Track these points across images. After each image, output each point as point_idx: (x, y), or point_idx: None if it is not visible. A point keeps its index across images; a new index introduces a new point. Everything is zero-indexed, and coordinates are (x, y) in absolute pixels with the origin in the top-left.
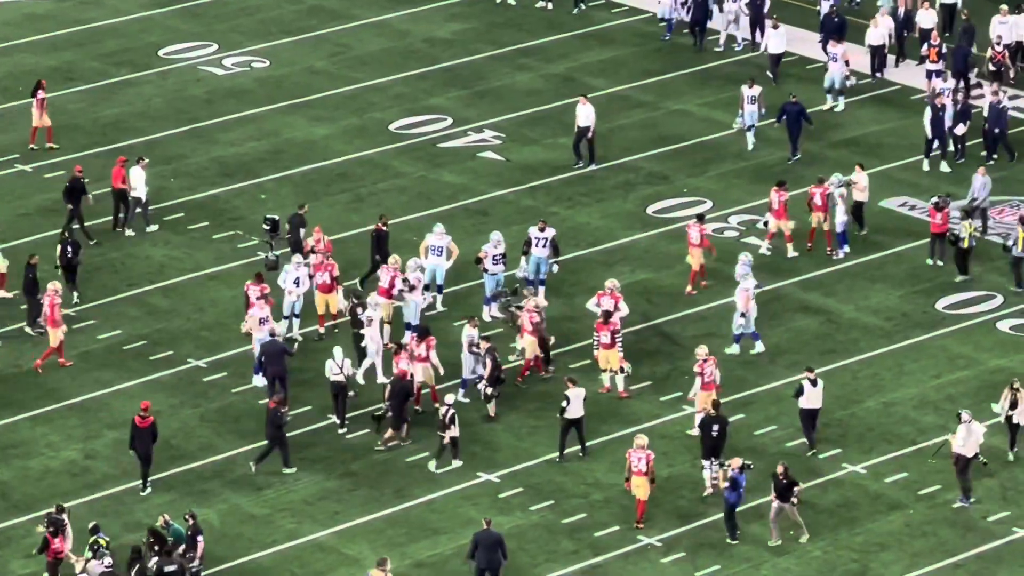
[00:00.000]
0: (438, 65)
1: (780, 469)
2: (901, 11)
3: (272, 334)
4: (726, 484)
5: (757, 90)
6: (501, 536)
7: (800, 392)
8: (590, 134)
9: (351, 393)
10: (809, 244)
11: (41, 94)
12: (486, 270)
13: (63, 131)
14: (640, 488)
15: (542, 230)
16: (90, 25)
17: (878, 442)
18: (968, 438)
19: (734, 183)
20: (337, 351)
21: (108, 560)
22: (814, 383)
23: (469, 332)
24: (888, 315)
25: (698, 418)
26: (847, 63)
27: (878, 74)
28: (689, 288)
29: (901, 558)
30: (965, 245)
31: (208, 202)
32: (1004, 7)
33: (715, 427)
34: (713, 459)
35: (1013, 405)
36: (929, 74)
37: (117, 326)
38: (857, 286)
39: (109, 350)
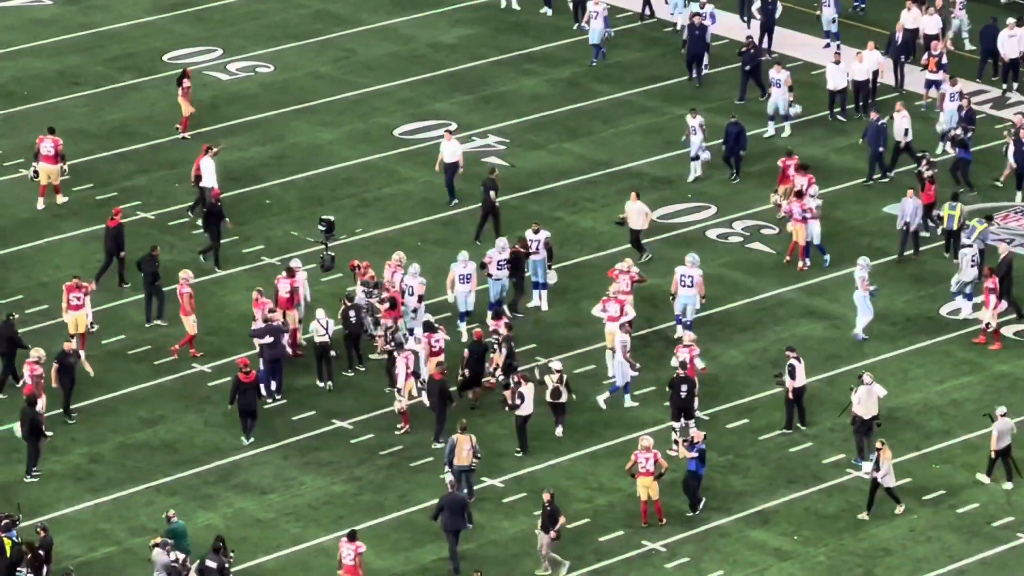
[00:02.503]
0: (443, 70)
1: (547, 497)
2: (899, 37)
3: (268, 319)
4: (694, 455)
5: (699, 120)
6: (466, 500)
7: (793, 373)
8: (460, 169)
9: (333, 353)
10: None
11: (187, 82)
12: (491, 275)
13: (66, 135)
14: (648, 488)
15: (536, 232)
16: (95, 30)
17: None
18: (867, 399)
19: (739, 188)
20: (320, 312)
21: (176, 554)
22: (799, 360)
23: (622, 337)
24: (893, 320)
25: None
26: (790, 89)
27: (860, 115)
28: (801, 264)
29: (905, 563)
30: (945, 225)
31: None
32: (1011, 20)
33: (683, 387)
34: (683, 419)
35: (877, 465)
36: (928, 84)
37: (121, 331)
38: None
39: (113, 355)
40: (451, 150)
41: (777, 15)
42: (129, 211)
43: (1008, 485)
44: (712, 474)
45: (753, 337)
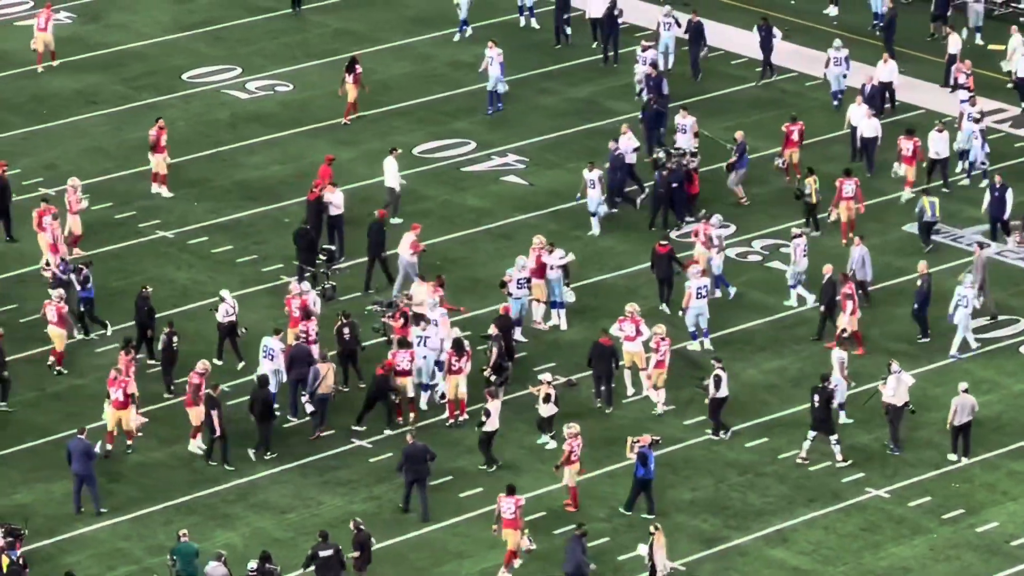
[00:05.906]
0: (462, 89)
1: (352, 525)
2: (867, 87)
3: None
4: (632, 456)
5: (597, 173)
6: (426, 447)
7: (718, 384)
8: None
9: (242, 330)
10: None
11: (359, 68)
12: (510, 294)
13: (85, 155)
14: (575, 475)
15: (550, 252)
16: (114, 49)
17: (902, 466)
18: (898, 387)
19: (756, 207)
20: (225, 293)
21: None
22: (724, 371)
23: (839, 355)
24: (911, 339)
25: (652, 393)
26: (696, 135)
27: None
28: (848, 240)
29: None
30: (814, 200)
31: (231, 225)
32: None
33: (816, 397)
34: (817, 432)
35: (651, 550)
36: (963, 101)
37: (140, 350)
38: (880, 310)
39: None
40: (337, 200)
41: (775, 39)
42: (148, 230)
43: (952, 456)
44: (731, 493)
45: (772, 356)
